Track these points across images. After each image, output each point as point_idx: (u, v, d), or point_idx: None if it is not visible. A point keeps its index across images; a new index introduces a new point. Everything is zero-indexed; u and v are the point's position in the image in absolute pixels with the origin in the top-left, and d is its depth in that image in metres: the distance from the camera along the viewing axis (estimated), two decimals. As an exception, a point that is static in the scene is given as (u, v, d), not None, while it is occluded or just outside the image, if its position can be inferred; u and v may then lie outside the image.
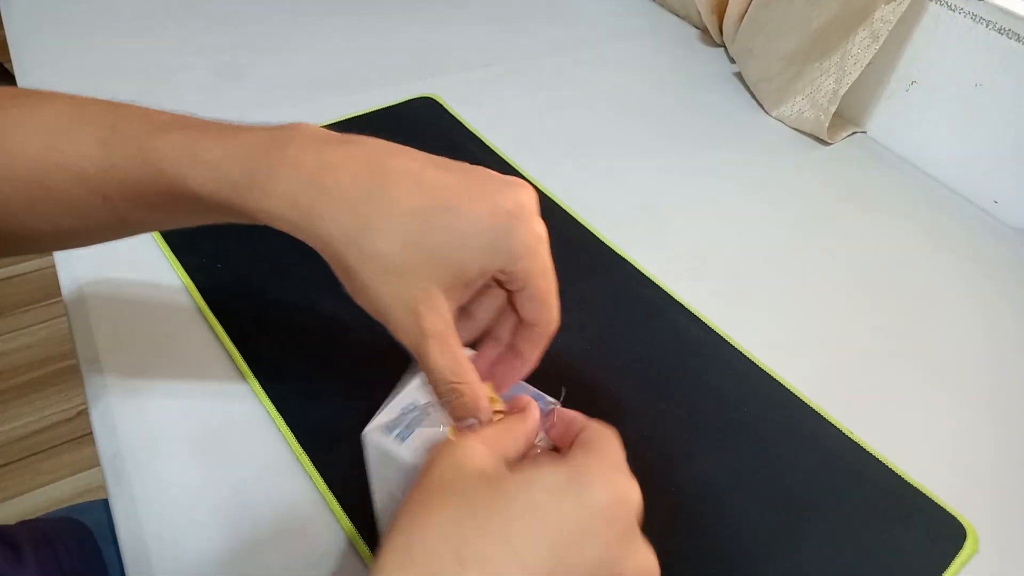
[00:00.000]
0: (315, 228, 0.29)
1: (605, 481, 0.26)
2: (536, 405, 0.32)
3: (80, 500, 0.58)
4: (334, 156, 0.30)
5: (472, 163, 0.31)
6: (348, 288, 0.31)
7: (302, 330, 0.48)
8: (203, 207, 0.31)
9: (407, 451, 0.31)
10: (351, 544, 0.38)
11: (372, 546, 0.38)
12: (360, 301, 0.31)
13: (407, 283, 0.29)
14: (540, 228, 0.31)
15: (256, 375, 0.45)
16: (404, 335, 0.30)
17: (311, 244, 0.30)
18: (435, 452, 0.28)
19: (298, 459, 0.42)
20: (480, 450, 0.28)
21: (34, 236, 0.35)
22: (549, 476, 0.26)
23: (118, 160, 0.31)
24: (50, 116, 0.33)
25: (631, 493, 0.27)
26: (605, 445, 0.29)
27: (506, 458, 0.29)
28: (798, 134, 0.72)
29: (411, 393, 0.33)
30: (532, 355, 0.33)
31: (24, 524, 0.52)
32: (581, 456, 0.28)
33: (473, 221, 0.29)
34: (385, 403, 0.33)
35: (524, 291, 0.31)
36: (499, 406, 0.32)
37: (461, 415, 0.31)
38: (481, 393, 0.31)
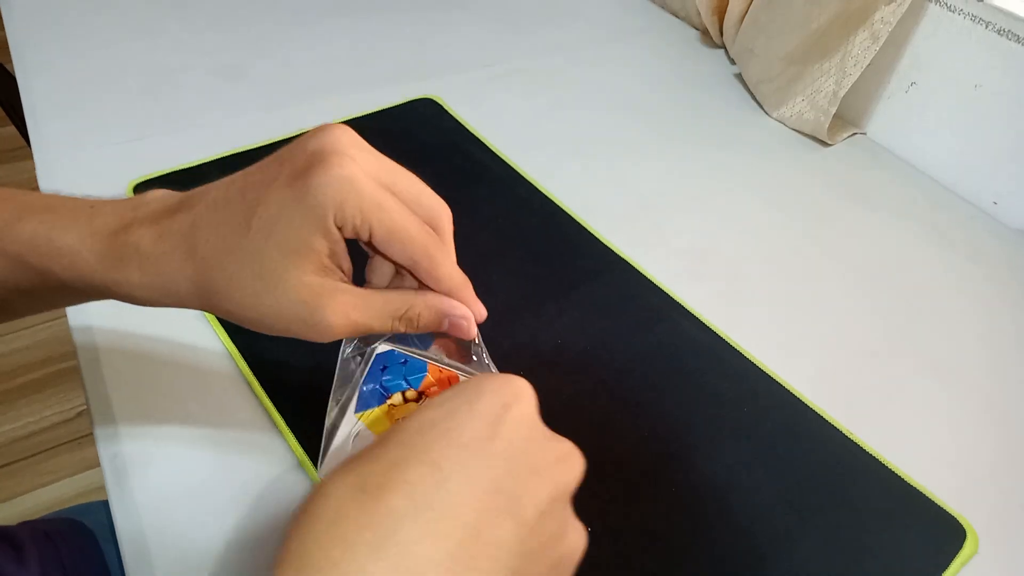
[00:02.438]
0: (174, 299, 0.30)
1: (490, 380, 0.27)
2: None
3: (80, 500, 0.58)
4: (162, 231, 0.30)
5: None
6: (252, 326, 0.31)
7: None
8: (69, 291, 0.32)
9: None
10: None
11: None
12: (267, 331, 0.31)
13: (276, 294, 0.29)
14: (347, 167, 0.28)
15: (257, 375, 0.45)
16: (319, 328, 0.30)
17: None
18: None
19: (299, 460, 0.42)
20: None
21: None
22: (435, 398, 0.27)
23: None
24: None
25: (521, 383, 0.27)
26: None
27: None
28: (798, 135, 0.72)
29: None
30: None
31: (26, 524, 0.53)
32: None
33: (276, 203, 0.28)
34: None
35: (376, 238, 0.29)
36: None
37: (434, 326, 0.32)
38: (432, 295, 0.32)
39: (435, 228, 0.31)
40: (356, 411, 0.33)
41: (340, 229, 0.28)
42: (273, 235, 0.28)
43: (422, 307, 0.32)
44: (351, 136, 0.29)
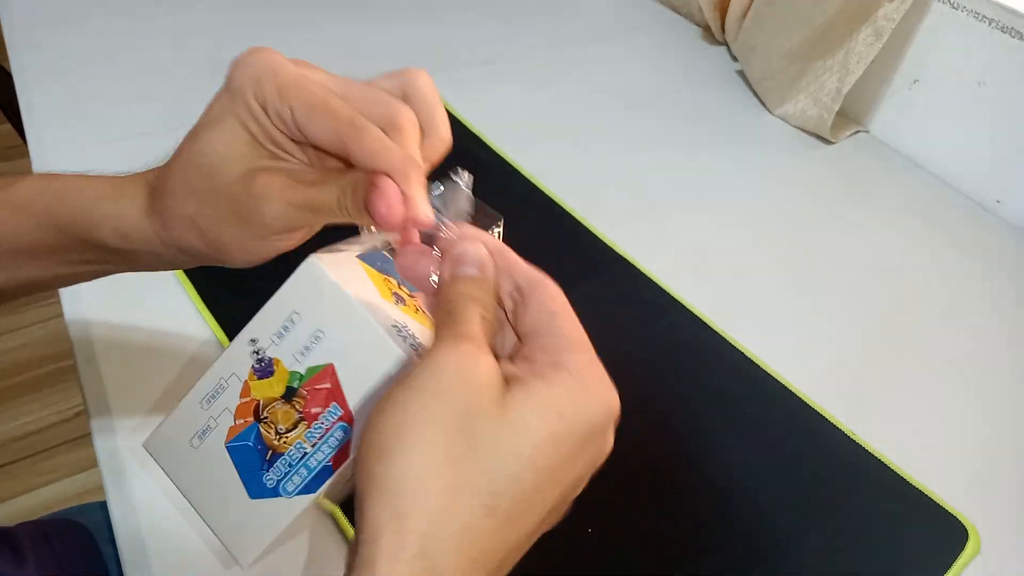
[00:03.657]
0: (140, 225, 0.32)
1: (598, 398, 0.25)
2: (487, 262, 0.27)
3: (78, 501, 0.58)
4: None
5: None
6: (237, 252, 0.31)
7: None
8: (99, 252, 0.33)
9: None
10: (350, 544, 0.38)
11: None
12: (244, 255, 0.31)
13: (213, 180, 0.29)
14: (265, 53, 0.28)
15: (255, 375, 0.45)
16: (256, 218, 0.29)
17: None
18: (434, 357, 0.24)
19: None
20: (487, 365, 0.24)
21: None
22: (562, 412, 0.24)
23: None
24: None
25: (615, 402, 0.26)
26: (572, 335, 0.26)
27: (491, 347, 0.26)
28: (801, 133, 0.72)
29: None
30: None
31: (24, 525, 0.52)
32: (567, 365, 0.25)
33: (212, 104, 0.30)
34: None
35: (297, 118, 0.28)
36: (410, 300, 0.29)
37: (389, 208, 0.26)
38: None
39: (390, 127, 0.28)
40: (359, 257, 0.30)
41: (265, 111, 0.28)
42: (205, 125, 0.30)
43: (360, 178, 0.27)
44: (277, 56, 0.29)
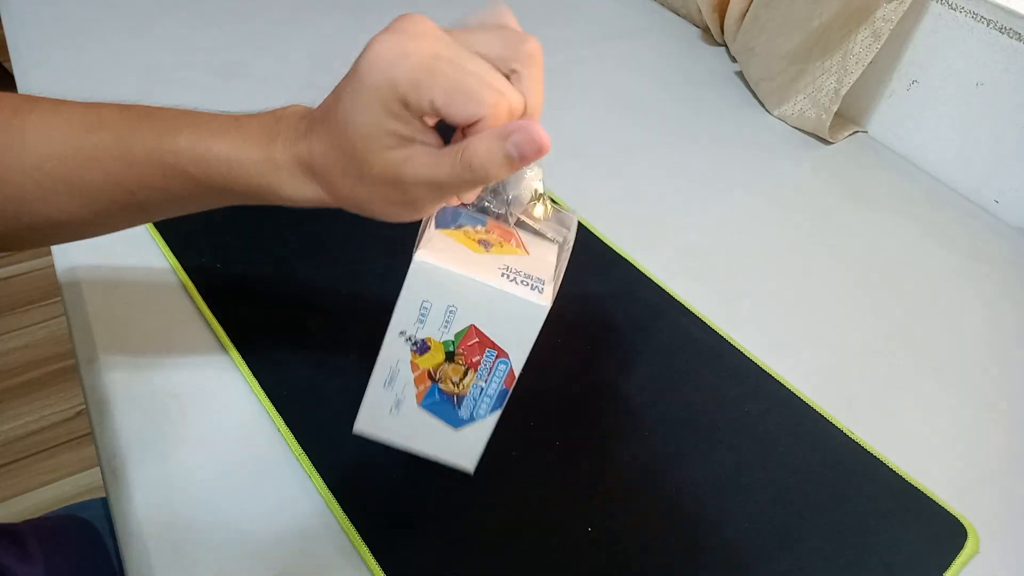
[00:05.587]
0: (313, 202, 0.34)
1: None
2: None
3: (80, 500, 0.58)
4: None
5: None
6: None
7: (303, 330, 0.48)
8: (228, 195, 0.34)
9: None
10: (349, 543, 0.38)
11: (367, 544, 0.38)
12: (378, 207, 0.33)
13: (370, 185, 0.31)
14: (389, 45, 0.30)
15: (255, 374, 0.45)
16: (408, 206, 0.32)
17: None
18: None
19: (297, 459, 0.42)
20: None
21: (46, 227, 0.36)
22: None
23: (140, 161, 0.34)
24: (72, 117, 0.35)
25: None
26: None
27: None
28: (799, 133, 0.72)
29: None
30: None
31: (30, 522, 0.53)
32: None
33: (347, 96, 0.31)
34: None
35: (439, 105, 0.29)
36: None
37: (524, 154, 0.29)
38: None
39: (522, 62, 0.30)
40: (436, 227, 0.35)
41: (406, 106, 0.29)
42: (350, 128, 0.31)
43: (475, 143, 0.30)
44: (414, 20, 0.31)
